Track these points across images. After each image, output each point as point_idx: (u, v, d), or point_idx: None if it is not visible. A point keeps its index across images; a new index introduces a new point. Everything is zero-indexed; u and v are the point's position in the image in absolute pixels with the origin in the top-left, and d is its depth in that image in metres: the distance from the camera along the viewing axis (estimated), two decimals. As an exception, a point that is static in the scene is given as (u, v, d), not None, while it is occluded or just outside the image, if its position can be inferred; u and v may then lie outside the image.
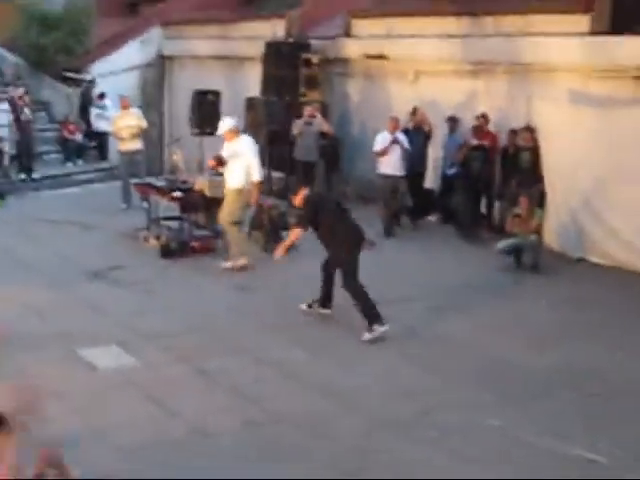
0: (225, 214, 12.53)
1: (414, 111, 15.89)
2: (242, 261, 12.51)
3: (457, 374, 8.86)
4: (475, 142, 14.76)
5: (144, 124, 17.69)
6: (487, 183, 14.97)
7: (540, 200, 13.70)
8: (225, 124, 12.71)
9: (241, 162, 12.43)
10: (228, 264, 12.53)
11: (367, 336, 9.72)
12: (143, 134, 17.80)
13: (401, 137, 14.98)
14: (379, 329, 9.76)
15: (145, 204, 15.35)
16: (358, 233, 10.21)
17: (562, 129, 13.60)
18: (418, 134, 15.58)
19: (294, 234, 10.40)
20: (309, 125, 16.66)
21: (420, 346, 9.68)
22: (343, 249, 10.02)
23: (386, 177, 15.09)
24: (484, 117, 15.05)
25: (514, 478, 6.70)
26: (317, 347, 9.54)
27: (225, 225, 12.64)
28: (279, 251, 10.46)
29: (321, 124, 16.92)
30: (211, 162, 12.92)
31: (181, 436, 7.30)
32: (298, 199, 10.36)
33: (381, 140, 14.99)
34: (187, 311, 10.69)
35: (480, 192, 14.95)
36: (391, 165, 14.98)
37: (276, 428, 7.51)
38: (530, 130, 14.11)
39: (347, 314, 10.17)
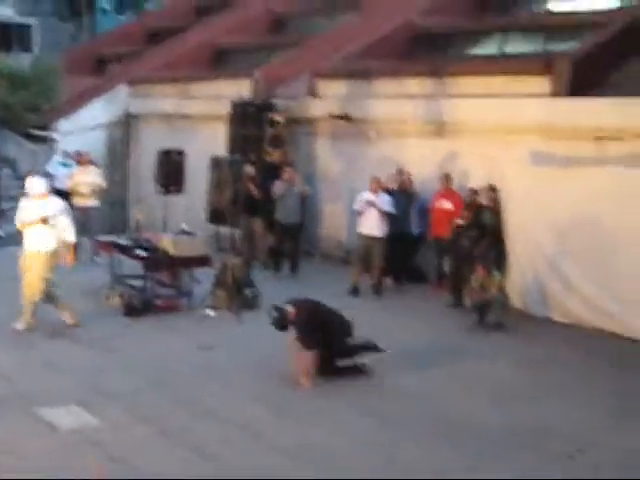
0: (39, 282, 12.17)
1: (399, 172, 15.97)
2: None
3: (413, 430, 8.88)
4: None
5: (103, 183, 18.01)
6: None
7: (500, 261, 13.81)
8: (39, 185, 12.58)
9: (51, 224, 12.30)
10: (19, 325, 12.19)
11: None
12: (102, 193, 18.09)
13: (382, 198, 15.07)
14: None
15: (98, 259, 16.30)
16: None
17: (524, 189, 13.80)
18: (402, 195, 15.67)
19: (307, 362, 10.16)
20: (291, 187, 16.74)
21: (381, 402, 9.72)
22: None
23: (360, 236, 15.23)
24: (447, 177, 15.19)
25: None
26: (280, 405, 9.51)
27: (40, 292, 12.20)
28: (306, 382, 10.18)
29: (301, 185, 17.00)
30: (37, 221, 12.24)
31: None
32: (291, 317, 10.24)
33: (359, 199, 15.14)
34: (149, 370, 10.62)
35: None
36: (366, 225, 15.10)
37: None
38: (493, 189, 14.26)
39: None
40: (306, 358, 10.16)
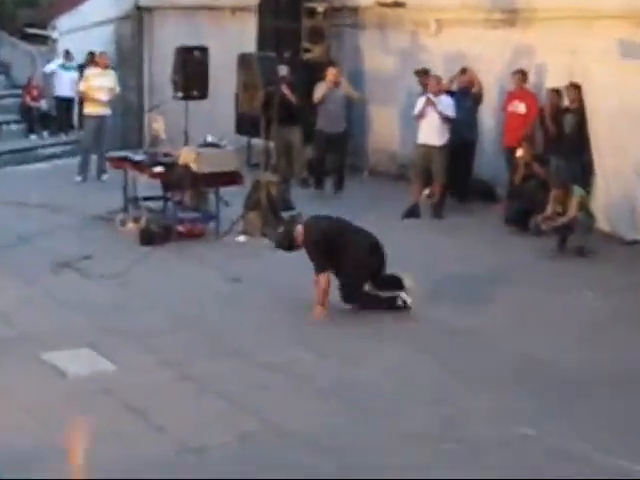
0: None
1: (463, 71, 15.88)
2: None
3: (483, 376, 8.93)
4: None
5: (117, 89, 18.28)
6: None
7: (585, 173, 13.74)
8: None
9: None
10: None
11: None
12: (115, 100, 18.32)
13: (443, 101, 15.03)
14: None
15: (105, 177, 17.10)
16: (370, 241, 10.48)
17: (612, 87, 13.62)
18: (467, 97, 15.62)
19: (321, 286, 10.33)
20: (335, 89, 16.68)
21: (441, 343, 9.77)
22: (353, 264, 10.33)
23: (418, 146, 15.20)
24: (522, 74, 15.06)
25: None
26: (323, 346, 9.62)
27: None
28: (318, 312, 10.42)
29: (348, 88, 16.92)
30: None
31: (166, 453, 7.36)
32: (300, 239, 10.47)
33: (420, 103, 15.09)
34: (171, 306, 10.76)
35: None
36: (424, 132, 15.06)
37: (277, 442, 7.54)
38: (576, 88, 14.14)
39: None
40: (318, 283, 10.34)
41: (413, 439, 7.64)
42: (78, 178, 17.88)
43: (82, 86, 18.51)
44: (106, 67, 18.37)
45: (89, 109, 18.11)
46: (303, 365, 9.14)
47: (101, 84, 17.96)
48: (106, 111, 18.06)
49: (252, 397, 8.37)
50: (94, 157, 17.95)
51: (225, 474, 6.99)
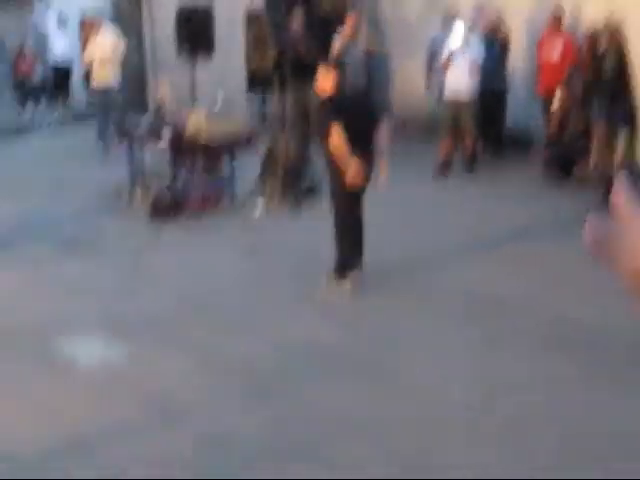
0: None
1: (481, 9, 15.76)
2: None
3: (521, 344, 8.88)
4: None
5: (122, 47, 17.92)
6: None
7: (629, 122, 13.65)
8: None
9: None
10: None
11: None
12: (122, 62, 18.07)
13: (473, 45, 14.97)
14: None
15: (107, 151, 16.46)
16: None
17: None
18: (491, 44, 15.51)
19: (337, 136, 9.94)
20: (354, 42, 16.57)
21: (474, 313, 9.72)
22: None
23: (446, 98, 15.25)
24: (558, 16, 14.90)
25: None
26: (355, 322, 9.61)
27: None
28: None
29: (368, 40, 16.80)
30: None
31: (189, 446, 7.35)
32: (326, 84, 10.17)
33: (446, 50, 15.12)
34: (186, 286, 10.78)
35: None
36: (451, 83, 15.06)
37: (309, 428, 7.53)
38: (615, 30, 14.03)
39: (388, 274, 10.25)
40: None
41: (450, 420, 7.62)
42: (101, 151, 17.89)
43: (86, 57, 18.31)
44: (98, 28, 18.12)
45: (95, 81, 17.98)
46: (332, 345, 9.08)
47: (103, 50, 17.74)
48: (111, 82, 17.87)
49: (278, 380, 8.36)
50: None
51: (259, 457, 6.96)
